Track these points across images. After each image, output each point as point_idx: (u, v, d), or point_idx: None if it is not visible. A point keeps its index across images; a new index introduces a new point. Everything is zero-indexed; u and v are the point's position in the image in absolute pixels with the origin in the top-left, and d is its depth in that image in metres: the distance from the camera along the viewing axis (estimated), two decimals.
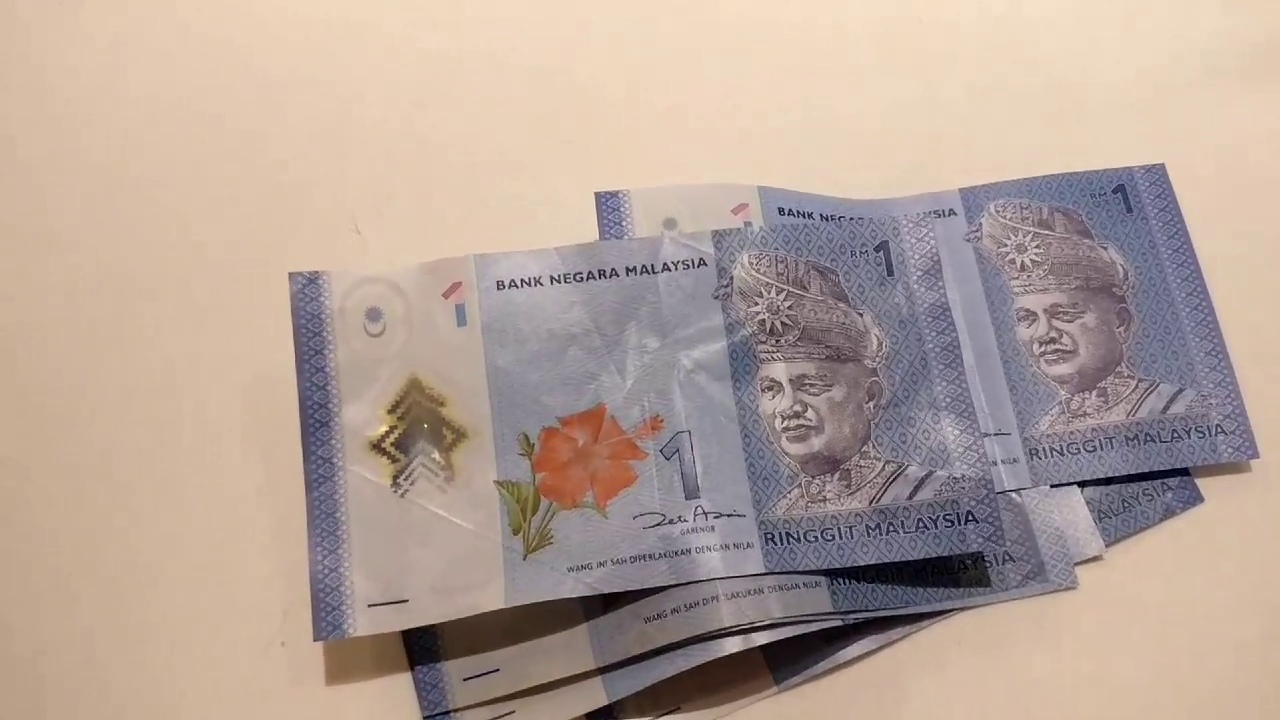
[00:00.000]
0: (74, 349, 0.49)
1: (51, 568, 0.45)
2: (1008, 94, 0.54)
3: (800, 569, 0.42)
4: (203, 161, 0.53)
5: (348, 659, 0.43)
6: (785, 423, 0.44)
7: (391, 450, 0.43)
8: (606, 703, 0.41)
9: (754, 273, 0.46)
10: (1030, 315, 0.48)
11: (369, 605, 0.41)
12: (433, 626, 0.43)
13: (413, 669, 0.43)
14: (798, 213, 0.48)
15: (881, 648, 0.43)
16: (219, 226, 0.51)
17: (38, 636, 0.44)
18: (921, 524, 0.42)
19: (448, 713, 0.42)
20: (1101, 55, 0.55)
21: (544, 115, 0.54)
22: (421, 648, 0.43)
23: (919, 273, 0.46)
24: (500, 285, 0.45)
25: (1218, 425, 0.46)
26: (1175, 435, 0.46)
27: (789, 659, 0.43)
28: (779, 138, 0.53)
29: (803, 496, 0.43)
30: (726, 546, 0.42)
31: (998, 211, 0.50)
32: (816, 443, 0.44)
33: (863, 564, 0.42)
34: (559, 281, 0.45)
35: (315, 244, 0.50)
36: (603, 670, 0.42)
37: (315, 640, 0.41)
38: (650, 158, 0.52)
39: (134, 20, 0.56)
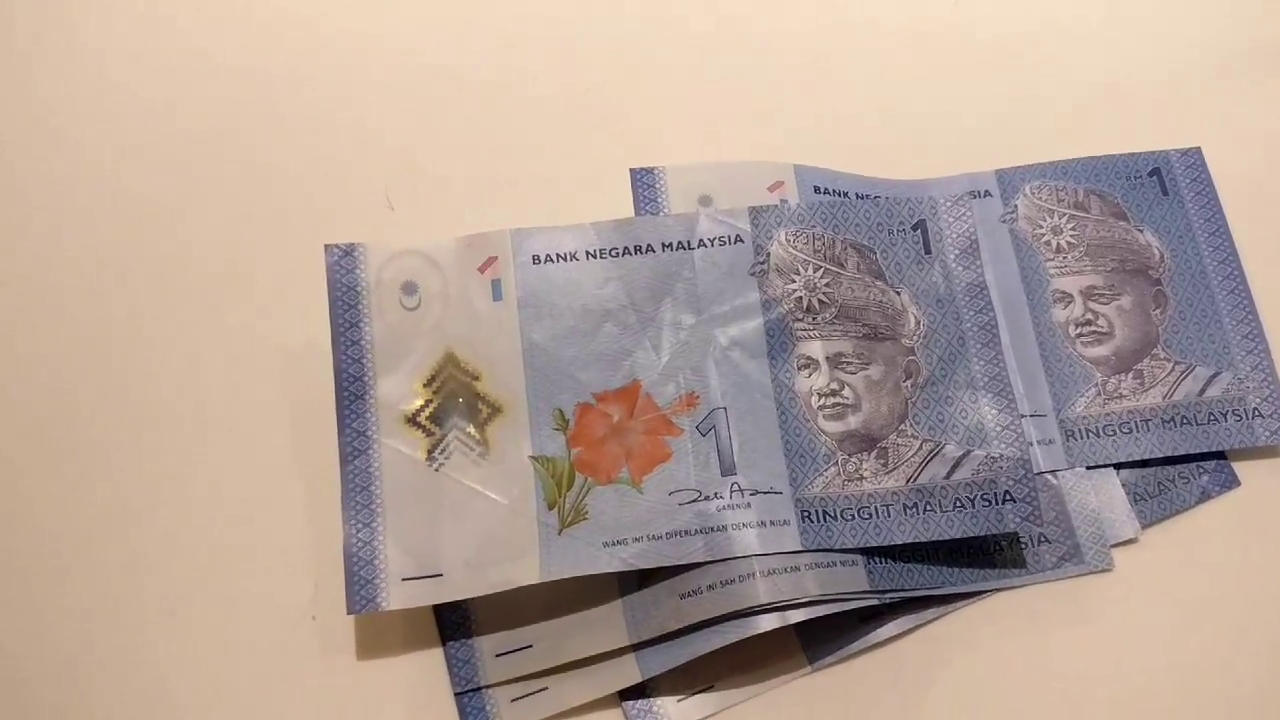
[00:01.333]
0: (111, 323, 0.49)
1: (86, 540, 0.45)
2: (1044, 75, 0.54)
3: (837, 547, 0.42)
4: (239, 135, 0.53)
5: (379, 634, 0.43)
6: (822, 400, 0.44)
7: (426, 424, 0.43)
8: (640, 680, 0.41)
9: (791, 250, 0.45)
10: (1066, 297, 0.47)
11: (403, 579, 0.41)
12: (465, 602, 0.43)
13: (444, 644, 0.43)
14: (833, 191, 0.48)
15: (915, 628, 0.43)
16: (253, 199, 0.51)
17: (72, 607, 0.44)
18: (959, 503, 0.42)
19: (479, 689, 0.42)
20: (1140, 37, 0.55)
21: (580, 90, 0.54)
22: (453, 623, 0.43)
23: (956, 252, 0.46)
24: (536, 260, 0.45)
25: (1255, 408, 0.46)
26: (1211, 418, 0.46)
27: (822, 638, 0.43)
28: (815, 116, 0.53)
29: (839, 475, 0.43)
30: (763, 524, 0.42)
31: (1033, 193, 0.49)
32: (853, 421, 0.44)
33: (899, 543, 0.42)
34: (595, 257, 0.45)
35: (348, 218, 0.50)
36: (636, 647, 0.42)
37: (349, 614, 0.41)
38: (686, 134, 0.52)
39: None
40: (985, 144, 0.52)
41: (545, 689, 0.42)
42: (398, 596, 0.41)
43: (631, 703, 0.42)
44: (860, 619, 0.43)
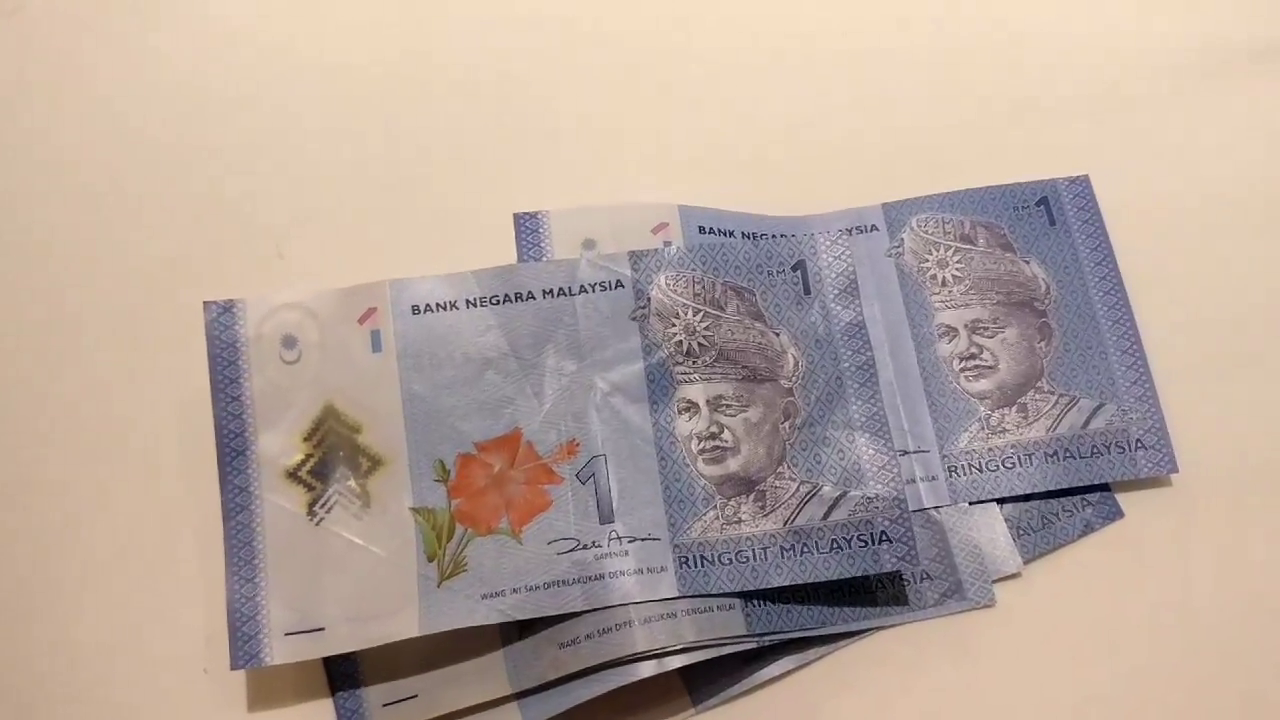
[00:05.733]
0: None
1: None
2: (935, 106, 0.54)
3: (714, 591, 0.42)
4: (129, 185, 0.53)
5: (270, 685, 0.43)
6: (701, 444, 0.44)
7: (308, 479, 0.43)
8: None
9: (671, 294, 0.46)
10: (951, 331, 0.48)
11: (285, 634, 0.42)
12: (353, 653, 0.43)
13: (333, 695, 0.43)
14: (719, 231, 0.48)
15: (800, 668, 0.43)
16: (144, 252, 0.51)
17: None
18: (835, 544, 0.43)
19: None
20: (1029, 67, 0.55)
21: (465, 135, 0.53)
22: (342, 674, 0.43)
23: (835, 291, 0.46)
24: (416, 310, 0.45)
25: (1138, 440, 0.46)
26: (1095, 451, 0.46)
27: (707, 680, 0.43)
28: (702, 155, 0.53)
29: (718, 518, 0.43)
30: (640, 571, 0.42)
31: (919, 226, 0.49)
32: (732, 464, 0.44)
33: (776, 585, 0.42)
34: (475, 305, 0.45)
35: (239, 268, 0.50)
36: (519, 696, 0.42)
37: (232, 669, 0.41)
38: (571, 177, 0.52)
39: (60, 45, 0.56)
40: (875, 175, 0.52)
41: None
42: (280, 652, 0.41)
43: None
44: (744, 660, 0.43)
